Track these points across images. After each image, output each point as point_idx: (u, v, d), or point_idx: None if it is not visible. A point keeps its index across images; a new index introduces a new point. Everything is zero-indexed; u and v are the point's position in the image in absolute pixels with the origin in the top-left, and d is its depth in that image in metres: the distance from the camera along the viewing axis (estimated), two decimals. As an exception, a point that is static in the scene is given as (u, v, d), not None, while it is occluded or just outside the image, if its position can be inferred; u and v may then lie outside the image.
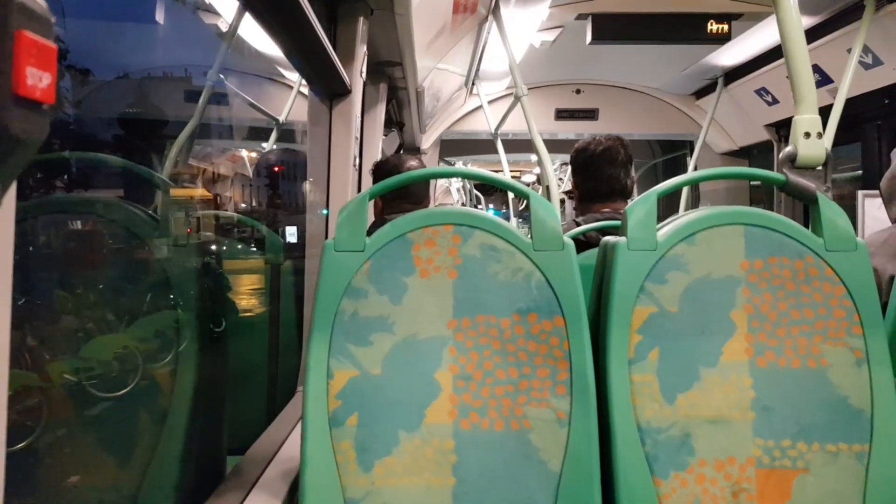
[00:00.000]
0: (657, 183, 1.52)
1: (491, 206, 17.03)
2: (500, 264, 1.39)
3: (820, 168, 1.50)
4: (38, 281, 1.23)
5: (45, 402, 1.17)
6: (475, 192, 14.90)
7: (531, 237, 1.40)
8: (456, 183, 13.89)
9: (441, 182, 11.63)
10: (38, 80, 0.40)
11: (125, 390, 1.45)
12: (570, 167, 2.59)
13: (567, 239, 1.40)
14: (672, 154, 7.80)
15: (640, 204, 1.44)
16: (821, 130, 1.50)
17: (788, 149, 1.50)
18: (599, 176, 2.44)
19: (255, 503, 1.43)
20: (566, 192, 7.80)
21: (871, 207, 3.65)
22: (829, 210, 1.41)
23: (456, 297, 1.38)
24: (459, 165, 9.52)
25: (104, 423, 1.41)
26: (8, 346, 0.54)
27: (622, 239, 1.41)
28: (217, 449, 1.93)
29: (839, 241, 1.39)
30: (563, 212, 7.85)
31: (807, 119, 1.51)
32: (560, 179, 10.35)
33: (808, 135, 1.50)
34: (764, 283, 1.38)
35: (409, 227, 1.40)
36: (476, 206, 14.44)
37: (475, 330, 1.37)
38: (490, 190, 14.91)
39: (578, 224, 2.34)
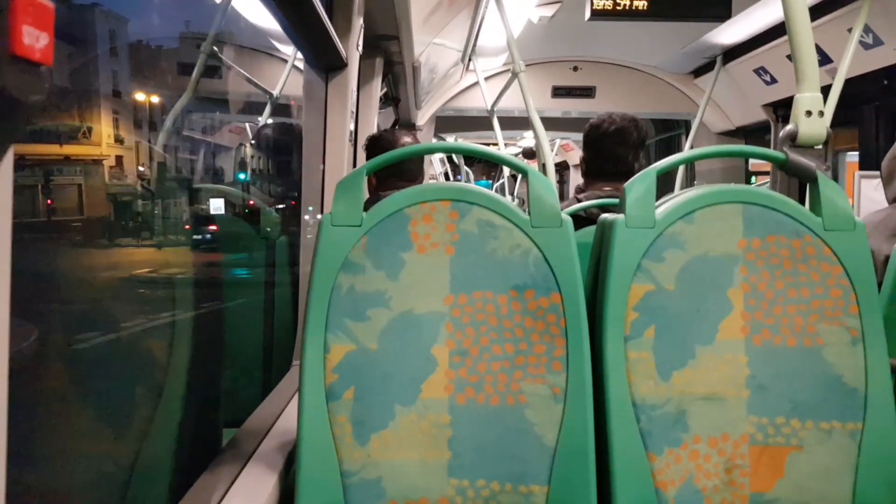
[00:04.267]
0: (651, 162, 1.52)
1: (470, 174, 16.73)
2: (497, 241, 1.38)
3: (820, 147, 1.49)
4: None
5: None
6: (465, 167, 14.86)
7: (528, 213, 1.39)
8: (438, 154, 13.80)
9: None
10: (36, 39, 0.39)
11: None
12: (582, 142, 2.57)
13: (565, 216, 1.40)
14: (667, 133, 7.79)
15: (639, 181, 1.43)
16: (822, 109, 1.49)
17: (789, 127, 1.50)
18: (608, 154, 2.44)
19: (252, 475, 1.43)
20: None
21: (868, 188, 3.66)
22: (829, 189, 1.41)
23: (453, 273, 1.38)
24: (452, 140, 9.50)
25: (103, 393, 1.41)
26: (7, 338, 0.53)
27: (620, 216, 1.41)
28: (213, 421, 1.93)
29: (838, 220, 1.39)
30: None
31: (808, 97, 1.50)
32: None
33: (809, 113, 1.49)
34: (761, 261, 1.38)
35: (406, 203, 1.39)
36: (464, 178, 14.36)
37: (472, 306, 1.37)
38: (471, 161, 14.82)
39: (580, 200, 2.34)
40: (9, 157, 0.45)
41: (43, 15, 0.40)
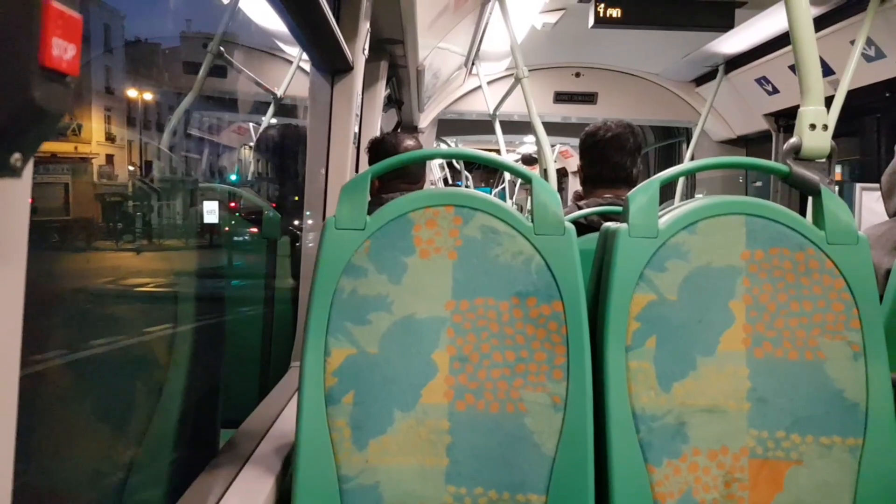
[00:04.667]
0: (650, 170, 1.52)
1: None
2: (500, 247, 1.38)
3: (823, 160, 1.50)
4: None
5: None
6: (465, 172, 14.87)
7: (532, 220, 1.39)
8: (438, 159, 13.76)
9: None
10: (64, 51, 0.40)
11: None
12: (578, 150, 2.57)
13: (568, 224, 1.40)
14: (667, 141, 7.81)
15: (642, 191, 1.43)
16: (826, 123, 1.49)
17: (793, 140, 1.50)
18: (606, 162, 2.43)
19: (249, 478, 1.43)
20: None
21: (869, 200, 3.67)
22: (832, 203, 1.41)
23: (455, 279, 1.38)
24: (453, 144, 9.51)
25: (101, 393, 1.41)
26: (20, 330, 0.54)
27: (623, 225, 1.41)
28: (211, 422, 1.93)
29: (840, 234, 1.39)
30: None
31: (812, 111, 1.50)
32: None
33: (813, 127, 1.49)
34: (764, 273, 1.39)
35: (410, 207, 1.39)
36: (464, 184, 14.35)
37: (473, 312, 1.37)
38: (470, 166, 14.83)
39: (580, 208, 2.34)
40: (29, 168, 0.45)
41: (71, 26, 0.40)
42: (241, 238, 2.78)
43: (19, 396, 0.57)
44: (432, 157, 1.87)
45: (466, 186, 14.04)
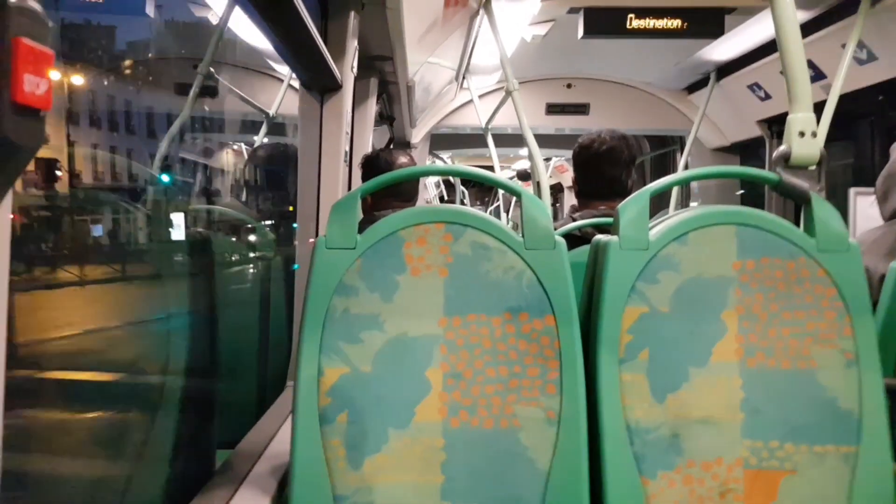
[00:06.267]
0: (644, 179, 1.52)
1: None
2: (491, 263, 1.38)
3: (813, 168, 1.50)
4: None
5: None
6: (461, 188, 14.82)
7: (522, 235, 1.40)
8: (432, 177, 13.77)
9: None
10: (36, 86, 0.40)
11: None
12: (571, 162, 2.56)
13: (559, 238, 1.40)
14: (661, 150, 7.81)
15: (633, 203, 1.44)
16: (815, 130, 1.49)
17: (782, 148, 1.50)
18: (601, 175, 2.43)
19: (245, 499, 1.43)
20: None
21: (864, 205, 3.67)
22: (823, 210, 1.41)
23: (447, 296, 1.38)
24: (447, 159, 9.51)
25: (97, 416, 1.41)
26: (4, 342, 0.54)
27: (614, 238, 1.41)
28: (206, 443, 1.92)
29: (832, 241, 1.39)
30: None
31: (801, 118, 1.50)
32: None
33: (802, 134, 1.49)
34: (755, 283, 1.39)
35: (400, 225, 1.40)
36: (459, 198, 14.34)
37: (466, 328, 1.37)
38: (466, 183, 14.71)
39: (574, 220, 2.34)
40: (7, 201, 0.45)
41: (43, 62, 0.41)
42: (234, 258, 2.77)
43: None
44: (423, 174, 1.88)
45: (463, 203, 13.99)
